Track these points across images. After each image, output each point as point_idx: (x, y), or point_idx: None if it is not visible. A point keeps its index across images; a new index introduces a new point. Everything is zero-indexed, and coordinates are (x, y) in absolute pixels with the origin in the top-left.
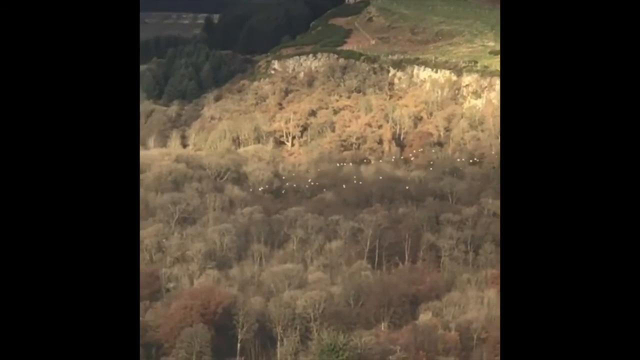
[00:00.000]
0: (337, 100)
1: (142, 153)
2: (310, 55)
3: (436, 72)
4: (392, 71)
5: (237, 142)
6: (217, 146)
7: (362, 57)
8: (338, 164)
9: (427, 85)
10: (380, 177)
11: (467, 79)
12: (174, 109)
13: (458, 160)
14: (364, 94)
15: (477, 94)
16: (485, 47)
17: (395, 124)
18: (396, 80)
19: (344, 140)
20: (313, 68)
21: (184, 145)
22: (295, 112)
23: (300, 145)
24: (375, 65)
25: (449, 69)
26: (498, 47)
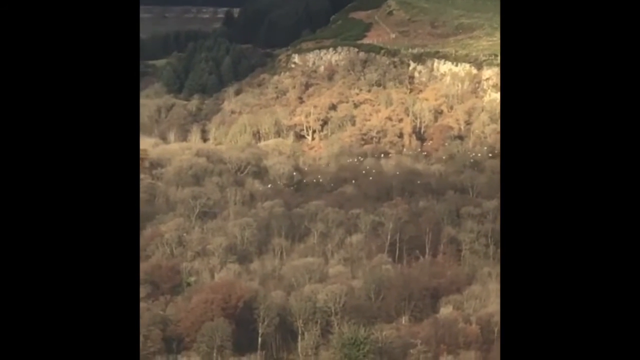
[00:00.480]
0: (358, 94)
1: (163, 147)
2: (331, 49)
3: (456, 65)
4: (412, 65)
5: (257, 136)
6: (237, 140)
7: (383, 51)
8: (358, 158)
9: (448, 79)
10: (401, 171)
11: (487, 72)
12: (194, 103)
13: (478, 153)
14: (385, 87)
15: (497, 87)
16: None
17: (416, 118)
18: (416, 74)
19: (365, 134)
20: (333, 62)
21: (205, 140)
22: (315, 106)
23: (321, 139)
24: (396, 59)
25: (469, 62)
26: None
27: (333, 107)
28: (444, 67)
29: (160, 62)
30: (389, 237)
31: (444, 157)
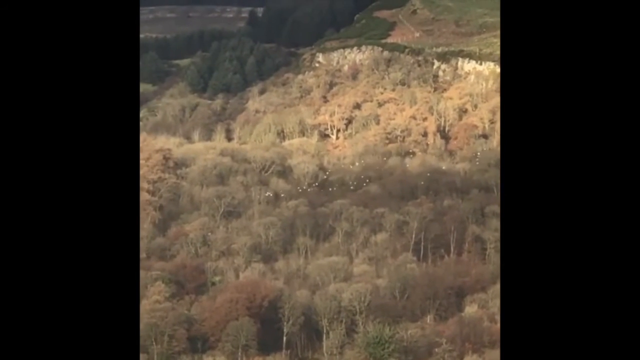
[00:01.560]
0: (382, 93)
1: (187, 147)
2: (355, 48)
3: (480, 64)
4: (436, 63)
5: (281, 135)
6: (262, 139)
7: (407, 50)
8: (383, 157)
9: (472, 78)
10: (425, 170)
11: None
12: (218, 102)
13: None
14: (409, 86)
15: None
16: None
17: (440, 117)
18: (440, 73)
19: (389, 133)
20: (357, 61)
21: (229, 139)
22: (339, 105)
23: (345, 138)
24: (420, 58)
25: (494, 61)
26: None
27: (357, 106)
28: (468, 65)
29: (184, 62)
30: (413, 236)
31: (468, 156)
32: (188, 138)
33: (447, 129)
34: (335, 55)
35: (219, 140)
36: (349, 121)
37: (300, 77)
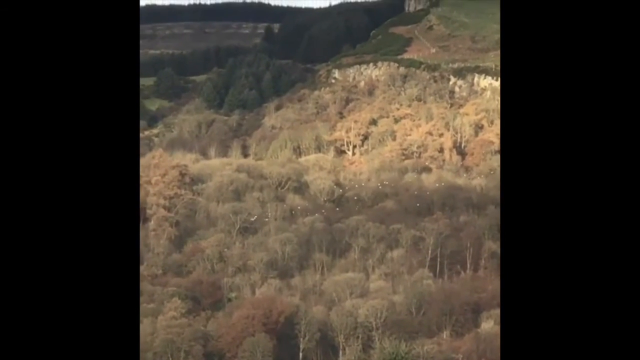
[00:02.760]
0: (398, 109)
1: (203, 163)
2: (371, 64)
3: (497, 80)
4: (452, 79)
5: (298, 151)
6: (278, 155)
7: (423, 66)
8: (399, 173)
9: (488, 94)
10: (442, 186)
11: None
12: (234, 118)
13: None
14: (425, 102)
15: None
16: None
17: (456, 132)
18: (457, 89)
19: (405, 149)
20: (374, 77)
21: (245, 155)
22: (356, 121)
23: (361, 154)
24: (436, 74)
25: None
26: None
27: (373, 122)
28: (484, 81)
29: (200, 78)
30: (430, 252)
31: (484, 172)
32: (204, 154)
33: (463, 144)
34: (351, 71)
35: (235, 157)
36: (365, 137)
37: (316, 93)
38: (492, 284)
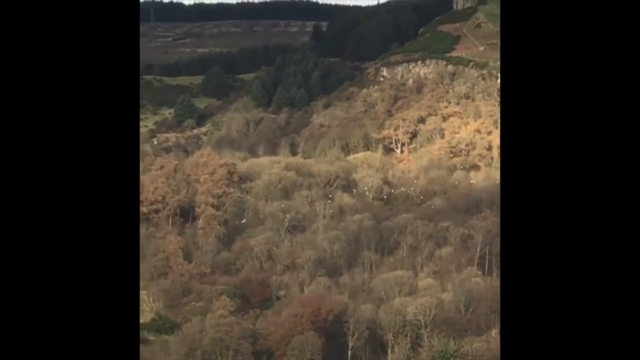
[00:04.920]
0: (446, 107)
1: (252, 161)
2: (419, 62)
3: None
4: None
5: (346, 149)
6: (326, 153)
7: (471, 64)
8: (447, 171)
9: None
10: (490, 183)
11: None
12: (283, 116)
13: None
14: (473, 100)
15: None
16: None
17: None
18: None
19: (453, 147)
20: (422, 75)
21: (293, 153)
22: (404, 119)
23: (410, 152)
24: (484, 72)
25: None
26: None
27: (422, 120)
28: None
29: (248, 76)
30: (478, 249)
31: None
32: (252, 152)
33: None
34: (399, 69)
35: (284, 155)
36: (414, 135)
37: (364, 91)
38: None
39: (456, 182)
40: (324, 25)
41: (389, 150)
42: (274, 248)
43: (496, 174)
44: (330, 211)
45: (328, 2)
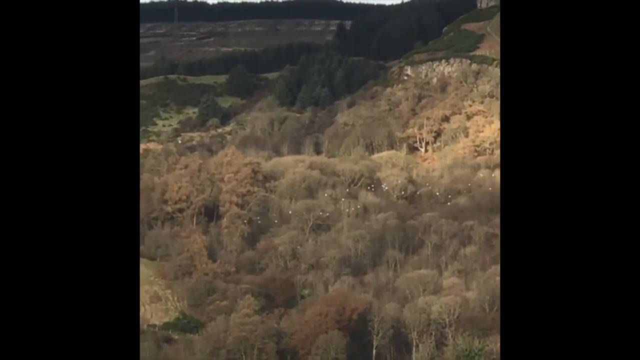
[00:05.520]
0: (470, 106)
1: (276, 160)
2: (443, 61)
3: None
4: None
5: (370, 148)
6: (350, 152)
7: (495, 62)
8: (472, 170)
9: None
10: None
11: None
12: (307, 115)
13: None
14: (497, 99)
15: None
16: None
17: None
18: None
19: (478, 146)
20: (446, 73)
21: (318, 152)
22: (428, 118)
23: (434, 151)
24: None
25: None
26: None
27: (446, 119)
28: None
29: (272, 75)
30: None
31: None
32: (277, 151)
33: None
34: (423, 68)
35: (308, 154)
36: (438, 134)
37: (388, 90)
38: None
39: (480, 181)
40: (347, 24)
41: (413, 149)
42: (299, 247)
43: None
44: (355, 210)
45: (352, 1)
